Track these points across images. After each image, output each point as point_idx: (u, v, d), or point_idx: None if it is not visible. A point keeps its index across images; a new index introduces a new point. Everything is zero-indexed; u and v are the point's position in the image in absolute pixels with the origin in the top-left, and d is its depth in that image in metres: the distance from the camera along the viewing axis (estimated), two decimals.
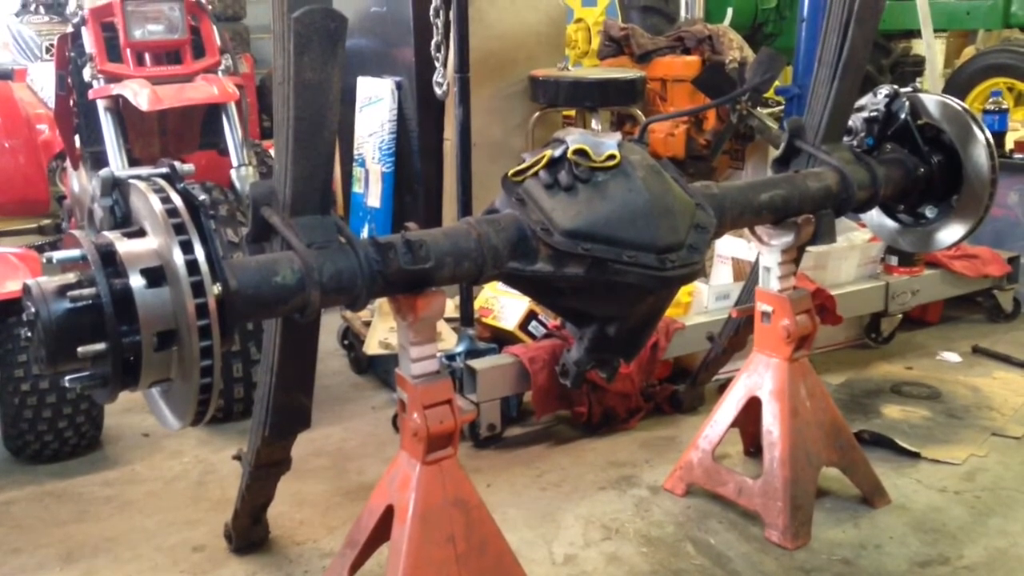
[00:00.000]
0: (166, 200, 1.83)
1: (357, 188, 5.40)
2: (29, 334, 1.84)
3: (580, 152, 2.27)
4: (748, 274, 3.47)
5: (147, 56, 4.03)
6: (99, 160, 4.16)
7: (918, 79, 7.08)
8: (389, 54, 5.17)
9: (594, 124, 5.03)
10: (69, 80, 4.31)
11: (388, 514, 2.31)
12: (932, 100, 3.02)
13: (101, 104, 3.94)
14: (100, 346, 1.76)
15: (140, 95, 3.74)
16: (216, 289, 1.79)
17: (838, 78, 2.89)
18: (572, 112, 5.40)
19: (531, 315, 3.89)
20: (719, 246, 4.19)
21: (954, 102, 3.00)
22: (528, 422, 3.75)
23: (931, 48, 6.31)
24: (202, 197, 1.86)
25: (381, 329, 4.05)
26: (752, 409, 3.04)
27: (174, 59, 4.07)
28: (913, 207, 3.13)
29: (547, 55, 5.18)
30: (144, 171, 1.93)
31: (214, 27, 4.15)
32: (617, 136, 2.36)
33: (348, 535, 2.48)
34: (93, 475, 3.41)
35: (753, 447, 3.36)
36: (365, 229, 5.25)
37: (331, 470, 3.44)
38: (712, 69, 5.57)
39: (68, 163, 4.91)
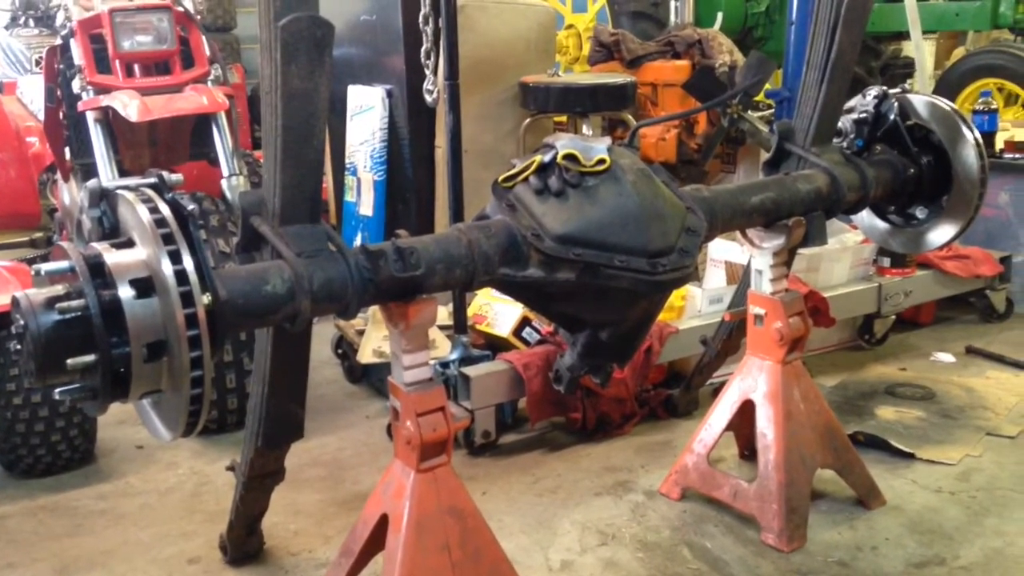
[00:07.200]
0: (154, 210, 1.82)
1: (349, 197, 5.39)
2: (19, 347, 1.83)
3: (570, 157, 2.26)
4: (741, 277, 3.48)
5: (136, 67, 4.02)
6: (89, 172, 4.15)
7: (908, 81, 7.10)
8: (379, 62, 5.18)
9: (585, 130, 5.03)
10: (59, 92, 4.30)
11: (383, 523, 2.30)
12: (921, 101, 3.02)
13: (91, 116, 3.93)
14: (89, 358, 1.75)
15: (129, 106, 3.74)
16: (206, 299, 1.78)
17: (827, 80, 2.89)
18: (563, 118, 5.41)
19: (525, 321, 3.88)
20: (712, 249, 4.19)
21: (942, 102, 3.00)
22: (523, 429, 3.74)
23: (920, 49, 6.32)
24: (191, 207, 1.85)
25: (375, 338, 4.04)
26: (746, 412, 3.03)
27: (163, 70, 4.06)
28: (903, 208, 3.13)
29: (537, 61, 5.19)
30: (132, 181, 1.92)
31: (203, 37, 4.14)
32: (607, 140, 2.35)
33: (343, 544, 2.47)
34: (87, 488, 3.40)
35: (748, 450, 3.35)
36: (358, 238, 5.24)
37: (326, 480, 3.43)
38: (702, 73, 5.59)
39: (59, 175, 4.90)
